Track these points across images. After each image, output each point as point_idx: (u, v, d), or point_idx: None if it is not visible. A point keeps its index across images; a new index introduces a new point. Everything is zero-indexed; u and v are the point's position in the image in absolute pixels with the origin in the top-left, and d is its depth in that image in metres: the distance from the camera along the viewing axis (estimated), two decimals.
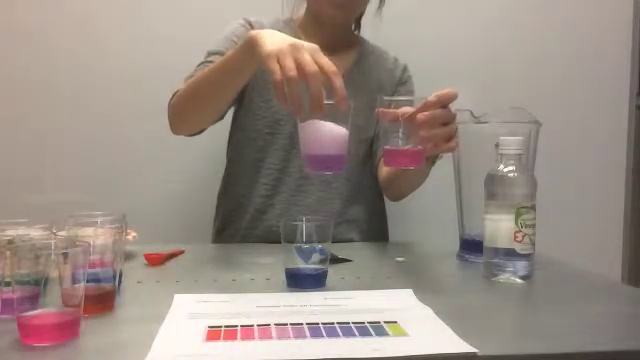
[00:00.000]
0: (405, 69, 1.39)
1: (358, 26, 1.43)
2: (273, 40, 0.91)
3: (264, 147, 1.29)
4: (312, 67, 0.86)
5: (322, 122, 0.90)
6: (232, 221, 1.33)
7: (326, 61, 0.88)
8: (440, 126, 0.93)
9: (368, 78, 1.34)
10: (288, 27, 1.29)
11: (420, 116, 0.90)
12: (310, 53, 0.88)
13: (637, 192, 1.81)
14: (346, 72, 1.28)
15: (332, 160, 0.93)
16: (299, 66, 0.86)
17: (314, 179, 1.28)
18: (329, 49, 1.27)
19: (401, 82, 1.37)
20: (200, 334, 0.68)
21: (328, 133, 0.91)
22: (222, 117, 1.23)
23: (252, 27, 1.26)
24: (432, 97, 0.91)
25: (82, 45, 1.58)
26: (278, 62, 0.87)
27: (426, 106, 0.91)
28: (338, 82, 0.87)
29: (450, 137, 0.95)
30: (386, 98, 0.99)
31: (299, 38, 1.26)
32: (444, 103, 0.92)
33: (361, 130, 1.29)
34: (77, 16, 1.58)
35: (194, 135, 1.21)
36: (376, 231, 1.36)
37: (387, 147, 0.98)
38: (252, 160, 1.30)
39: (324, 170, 0.97)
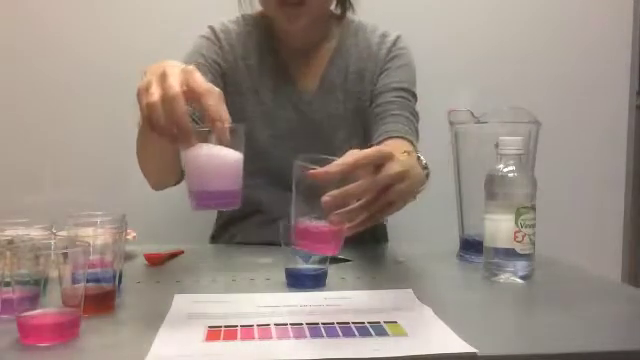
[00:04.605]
0: (394, 43, 1.26)
1: (344, 9, 1.29)
2: (147, 76, 0.79)
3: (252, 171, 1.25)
4: (172, 90, 0.74)
5: (206, 150, 0.76)
6: (232, 221, 1.33)
7: (196, 81, 0.76)
8: (375, 196, 0.74)
9: (346, 72, 1.25)
10: (263, 22, 1.25)
11: (326, 198, 0.70)
12: (181, 76, 0.76)
13: (637, 192, 1.81)
14: (324, 71, 1.25)
15: (224, 195, 0.78)
16: (162, 92, 0.75)
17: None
18: (305, 44, 1.25)
19: (387, 60, 1.24)
20: (200, 334, 0.68)
21: (214, 163, 0.77)
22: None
23: (217, 36, 1.23)
24: (334, 166, 0.71)
25: (82, 45, 1.58)
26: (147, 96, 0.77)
27: (347, 170, 0.71)
28: (209, 101, 0.75)
29: (388, 205, 0.76)
30: (300, 163, 0.74)
31: (273, 34, 1.24)
32: (357, 167, 0.72)
33: (345, 140, 1.24)
34: (77, 17, 1.58)
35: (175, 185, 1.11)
36: (376, 231, 1.36)
37: (299, 221, 0.74)
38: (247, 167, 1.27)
39: (217, 207, 0.82)
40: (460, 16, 1.67)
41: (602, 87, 1.72)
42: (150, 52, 1.57)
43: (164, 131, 0.75)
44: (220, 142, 0.76)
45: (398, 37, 1.27)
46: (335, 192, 0.70)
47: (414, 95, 1.24)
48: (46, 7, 1.58)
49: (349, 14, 1.31)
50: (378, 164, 0.74)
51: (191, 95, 0.76)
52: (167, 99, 0.74)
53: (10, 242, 0.74)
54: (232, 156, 0.78)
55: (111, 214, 0.85)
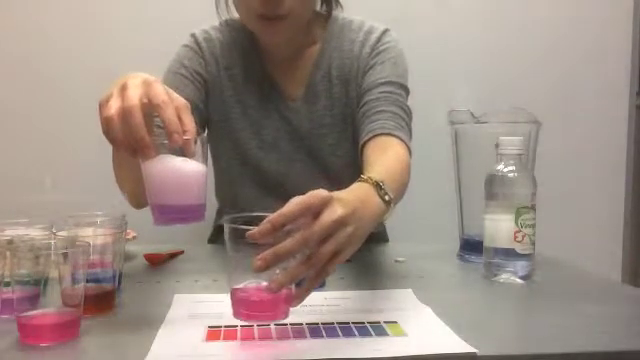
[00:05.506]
0: (378, 40, 1.17)
1: (330, 9, 1.21)
2: (110, 88, 0.78)
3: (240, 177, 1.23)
4: (129, 102, 0.73)
5: (165, 162, 0.74)
6: None
7: (155, 92, 0.76)
8: (316, 245, 0.66)
9: (330, 77, 1.18)
10: (247, 27, 1.18)
11: (257, 262, 0.63)
12: (141, 88, 0.75)
13: (637, 192, 1.81)
14: (308, 77, 1.19)
15: (184, 210, 0.76)
16: (120, 105, 0.75)
17: (313, 184, 1.25)
18: (289, 51, 1.19)
19: (371, 58, 1.16)
20: (200, 334, 0.68)
21: (172, 176, 0.74)
22: None
23: (199, 46, 1.19)
24: (265, 223, 0.64)
25: (83, 45, 1.58)
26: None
27: (281, 223, 0.64)
28: (165, 112, 0.74)
29: (335, 255, 0.68)
30: (229, 224, 0.68)
31: (257, 41, 1.19)
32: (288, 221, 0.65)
33: (333, 147, 1.20)
34: (78, 17, 1.58)
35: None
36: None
37: (237, 289, 0.68)
38: (237, 177, 1.24)
39: (179, 222, 0.76)
40: (460, 16, 1.67)
41: (602, 87, 1.72)
42: (152, 54, 1.57)
43: (122, 144, 0.74)
44: (183, 154, 0.74)
45: (384, 32, 1.18)
46: (266, 253, 0.63)
47: (404, 88, 1.14)
48: (48, 9, 1.58)
49: (335, 12, 1.22)
50: (317, 211, 0.66)
51: (150, 107, 0.75)
52: (123, 111, 0.73)
53: (10, 242, 0.74)
54: (193, 168, 0.75)
55: (111, 214, 0.85)
